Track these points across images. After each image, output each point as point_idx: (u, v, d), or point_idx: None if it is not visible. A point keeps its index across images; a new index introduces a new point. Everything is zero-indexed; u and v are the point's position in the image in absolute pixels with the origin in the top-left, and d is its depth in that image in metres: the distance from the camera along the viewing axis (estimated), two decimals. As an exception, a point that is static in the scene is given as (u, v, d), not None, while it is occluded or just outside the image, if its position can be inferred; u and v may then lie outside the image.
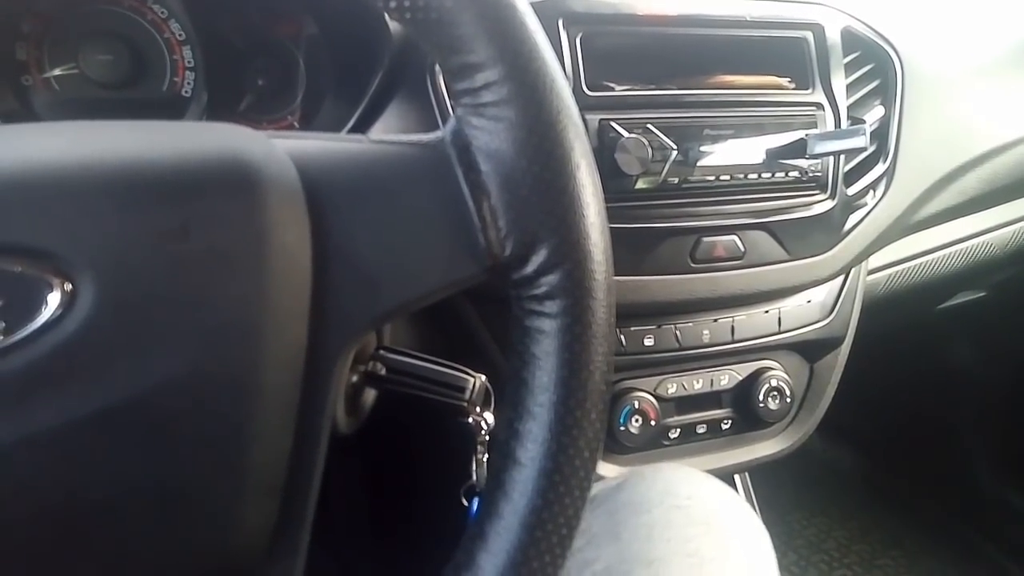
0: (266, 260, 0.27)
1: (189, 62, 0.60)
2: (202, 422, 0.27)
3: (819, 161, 0.61)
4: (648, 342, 0.63)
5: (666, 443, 0.67)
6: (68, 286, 0.25)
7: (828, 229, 0.64)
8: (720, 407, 0.69)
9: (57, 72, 0.57)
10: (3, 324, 0.25)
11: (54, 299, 0.25)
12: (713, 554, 0.45)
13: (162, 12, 0.59)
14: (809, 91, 0.62)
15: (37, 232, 0.25)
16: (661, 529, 0.46)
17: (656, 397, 0.65)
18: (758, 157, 0.59)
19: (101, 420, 0.25)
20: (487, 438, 0.43)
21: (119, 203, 0.26)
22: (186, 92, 0.60)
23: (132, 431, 0.26)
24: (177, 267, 0.26)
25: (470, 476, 0.45)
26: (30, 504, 0.25)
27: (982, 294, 1.01)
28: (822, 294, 0.69)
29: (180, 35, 0.59)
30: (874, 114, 0.67)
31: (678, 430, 0.67)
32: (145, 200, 0.26)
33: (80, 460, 0.25)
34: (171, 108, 0.60)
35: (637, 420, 0.64)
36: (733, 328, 0.65)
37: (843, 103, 0.63)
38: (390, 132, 0.55)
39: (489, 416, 0.43)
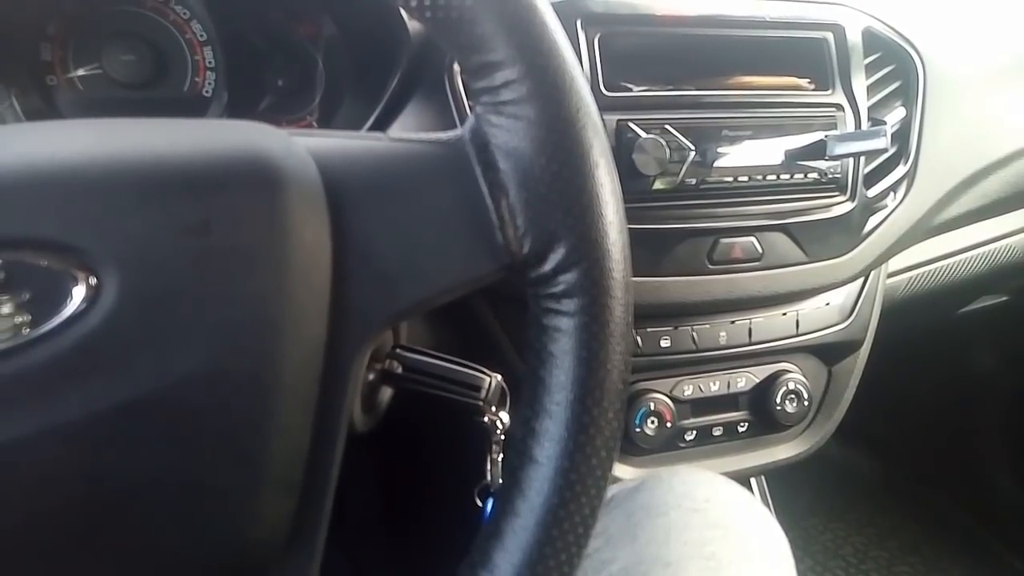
0: (286, 256, 0.28)
1: (210, 62, 0.61)
2: (222, 416, 0.27)
3: (839, 163, 0.61)
4: (665, 343, 0.62)
5: (682, 445, 0.67)
6: (93, 280, 0.25)
7: (847, 231, 0.63)
8: (737, 409, 0.68)
9: (81, 72, 0.58)
10: (29, 317, 0.25)
11: (79, 293, 0.25)
12: (731, 557, 0.45)
13: (184, 13, 0.59)
14: (829, 92, 0.62)
15: (62, 226, 0.26)
16: (678, 531, 0.46)
17: (672, 399, 0.65)
18: (777, 158, 0.59)
19: (123, 413, 0.26)
20: (502, 437, 0.43)
21: (142, 198, 0.26)
22: (207, 92, 0.61)
23: (153, 424, 0.26)
24: (199, 262, 0.27)
25: (485, 476, 0.45)
26: (53, 495, 0.26)
27: (1004, 298, 1.00)
28: (841, 297, 0.68)
29: (201, 36, 0.60)
30: (895, 115, 0.66)
31: (694, 432, 0.67)
32: (168, 196, 0.27)
33: (102, 452, 0.26)
34: (192, 108, 0.61)
35: (653, 422, 0.64)
36: (750, 330, 0.64)
37: (863, 104, 0.62)
38: (409, 131, 0.56)
39: (504, 415, 0.43)
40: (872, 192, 0.64)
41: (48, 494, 0.26)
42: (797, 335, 0.66)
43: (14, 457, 0.25)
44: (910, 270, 0.77)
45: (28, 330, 0.25)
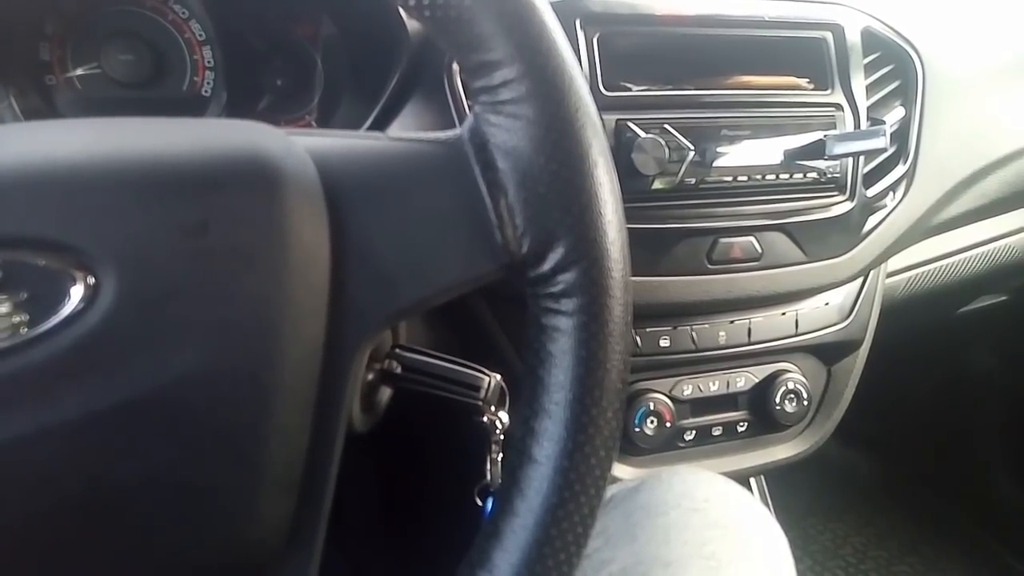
0: (285, 256, 0.28)
1: (209, 62, 0.61)
2: (220, 416, 0.27)
3: (838, 162, 0.61)
4: (664, 343, 0.62)
5: (681, 445, 0.67)
6: (91, 280, 0.25)
7: (847, 231, 0.63)
8: (736, 409, 0.68)
9: (80, 72, 0.58)
10: (27, 317, 0.25)
11: (77, 292, 0.25)
12: (730, 557, 0.45)
13: (183, 13, 0.59)
14: (828, 92, 0.62)
15: (60, 226, 0.25)
16: (678, 531, 0.46)
17: (671, 399, 0.65)
18: (776, 158, 0.59)
19: (121, 413, 0.26)
20: (502, 437, 0.43)
21: (140, 198, 0.26)
22: (206, 92, 0.61)
23: (151, 424, 0.26)
24: (197, 262, 0.27)
25: (484, 475, 0.45)
26: (51, 494, 0.26)
27: (1003, 298, 1.00)
28: (840, 296, 0.68)
29: (200, 35, 0.60)
30: (894, 115, 0.66)
31: (693, 432, 0.67)
32: (166, 195, 0.27)
33: (100, 452, 0.26)
34: (191, 107, 0.61)
35: (652, 421, 0.63)
36: (750, 330, 0.64)
37: (863, 104, 0.62)
38: (407, 130, 0.56)
39: (504, 415, 0.43)
40: (871, 192, 0.64)
41: (46, 494, 0.26)
42: (796, 335, 0.66)
43: (12, 457, 0.25)
44: (909, 270, 0.77)
45: (26, 330, 0.25)
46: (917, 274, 0.78)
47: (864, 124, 0.62)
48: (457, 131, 0.32)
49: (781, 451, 0.71)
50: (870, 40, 0.64)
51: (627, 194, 0.32)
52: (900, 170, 0.65)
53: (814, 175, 0.60)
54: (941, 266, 0.79)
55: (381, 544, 0.99)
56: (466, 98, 0.54)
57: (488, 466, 0.44)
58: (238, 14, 0.61)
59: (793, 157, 0.59)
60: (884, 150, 0.63)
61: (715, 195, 0.58)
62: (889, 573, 1.21)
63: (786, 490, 0.86)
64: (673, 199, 0.58)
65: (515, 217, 0.30)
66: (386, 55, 0.58)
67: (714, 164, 0.57)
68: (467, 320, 0.60)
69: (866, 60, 0.64)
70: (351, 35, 0.63)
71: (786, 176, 0.60)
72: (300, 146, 0.30)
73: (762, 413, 0.68)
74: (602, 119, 0.31)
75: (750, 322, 0.64)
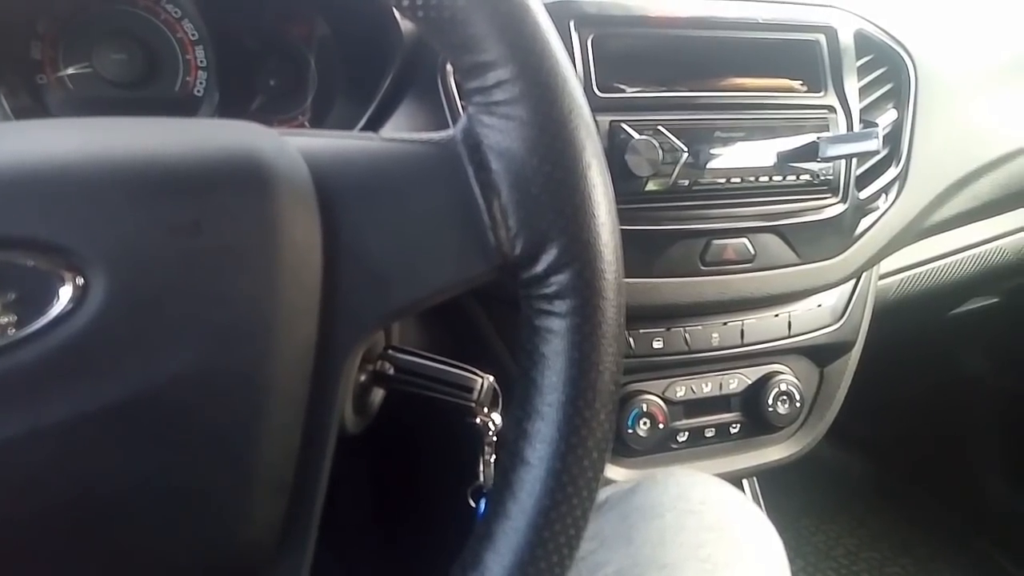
0: (276, 256, 0.28)
1: (202, 62, 0.60)
2: (211, 417, 0.27)
3: (831, 164, 0.61)
4: (657, 345, 0.62)
5: (674, 446, 0.67)
6: (80, 280, 0.25)
7: (839, 233, 0.63)
8: (729, 411, 0.68)
9: (71, 71, 0.58)
10: (15, 317, 0.25)
11: (66, 293, 0.25)
12: (725, 559, 0.45)
13: (176, 12, 0.59)
14: (821, 94, 0.62)
15: (49, 226, 0.25)
16: (673, 534, 0.46)
17: (664, 400, 0.65)
18: (769, 160, 0.59)
19: (111, 414, 0.25)
20: (495, 439, 0.43)
21: (131, 198, 0.26)
22: (198, 91, 0.61)
23: (142, 425, 0.26)
24: (188, 262, 0.26)
25: (477, 477, 0.45)
26: (41, 497, 0.25)
27: (995, 300, 1.00)
28: (833, 298, 0.68)
29: (193, 35, 0.60)
30: (887, 117, 0.66)
31: (686, 433, 0.67)
32: (157, 195, 0.27)
33: (91, 454, 0.26)
34: (183, 107, 0.60)
35: (645, 423, 0.64)
36: (742, 331, 0.65)
37: (855, 106, 0.63)
38: (401, 131, 0.55)
39: (497, 417, 0.43)
40: (864, 194, 0.64)
41: (35, 496, 0.25)
42: (789, 336, 0.67)
43: (1, 459, 0.25)
44: (902, 272, 0.77)
45: (14, 330, 0.25)
46: (910, 276, 0.78)
47: (857, 126, 0.62)
48: (450, 132, 0.32)
49: (774, 452, 0.71)
50: (863, 43, 0.64)
51: (620, 196, 0.33)
52: (892, 172, 0.66)
53: (807, 177, 0.61)
54: (934, 268, 0.79)
55: (374, 545, 0.99)
56: (460, 99, 0.54)
57: (481, 467, 0.44)
58: (231, 14, 0.61)
59: (786, 159, 0.59)
60: (877, 152, 0.63)
61: (708, 197, 0.59)
62: (881, 574, 1.21)
63: (779, 491, 0.87)
64: (666, 201, 0.58)
65: (508, 218, 0.30)
66: (380, 56, 0.57)
67: (707, 166, 0.57)
68: (460, 321, 0.60)
69: (859, 62, 0.64)
70: (345, 35, 0.63)
71: (779, 178, 0.60)
72: (293, 146, 0.30)
73: (755, 414, 0.68)
74: (596, 121, 0.31)
75: (743, 324, 0.64)
